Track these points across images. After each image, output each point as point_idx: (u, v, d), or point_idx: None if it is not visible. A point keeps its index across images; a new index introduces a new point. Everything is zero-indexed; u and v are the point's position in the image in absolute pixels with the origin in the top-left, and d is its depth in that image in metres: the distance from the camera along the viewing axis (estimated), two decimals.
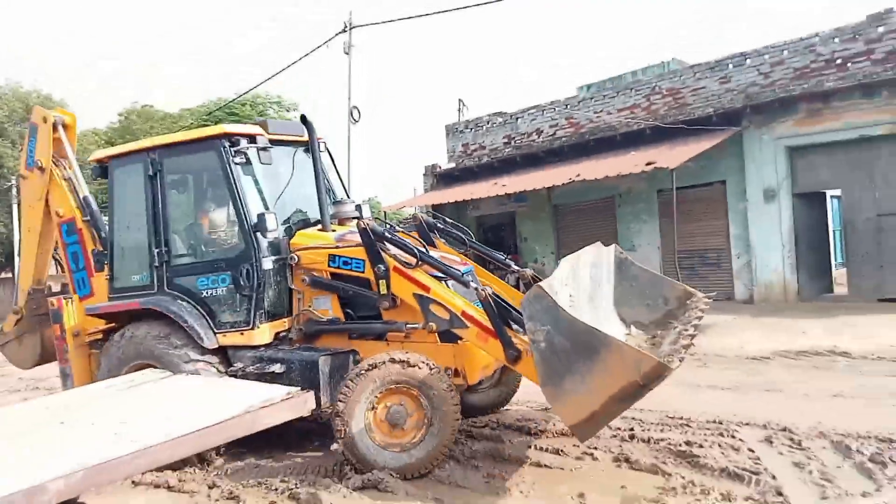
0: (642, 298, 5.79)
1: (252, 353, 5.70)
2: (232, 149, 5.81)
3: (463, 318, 5.12)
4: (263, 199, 5.93)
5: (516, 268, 6.04)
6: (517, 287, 6.18)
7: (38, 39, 70.25)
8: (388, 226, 5.89)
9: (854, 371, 7.38)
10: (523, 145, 16.17)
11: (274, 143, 6.12)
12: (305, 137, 6.21)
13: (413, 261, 5.35)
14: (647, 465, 4.82)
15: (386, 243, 5.48)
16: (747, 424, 5.56)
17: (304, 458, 5.77)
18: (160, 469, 5.18)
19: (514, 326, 5.04)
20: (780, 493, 4.22)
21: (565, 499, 4.49)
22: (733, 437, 5.28)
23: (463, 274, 5.46)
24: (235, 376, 5.62)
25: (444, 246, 6.38)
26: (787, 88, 11.71)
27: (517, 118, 16.60)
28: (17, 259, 8.26)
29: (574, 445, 5.26)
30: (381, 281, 5.43)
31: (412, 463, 4.87)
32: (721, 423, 5.63)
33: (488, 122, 17.30)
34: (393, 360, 4.96)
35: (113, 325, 6.26)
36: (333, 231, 6.00)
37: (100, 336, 6.36)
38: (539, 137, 15.99)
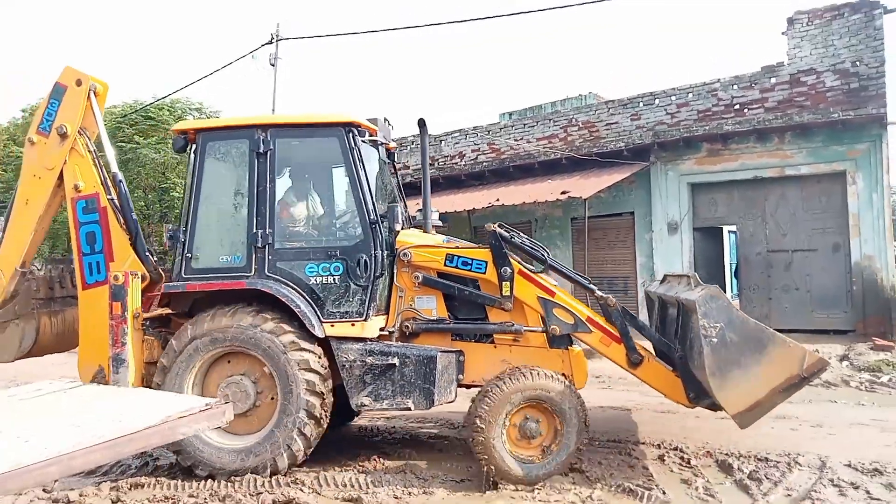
0: None
1: (360, 346, 5.53)
2: (356, 138, 5.73)
3: (588, 323, 5.48)
4: (376, 194, 5.86)
5: (599, 293, 5.76)
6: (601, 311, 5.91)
7: None
8: (514, 232, 5.93)
9: None
10: (446, 167, 16.52)
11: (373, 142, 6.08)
12: (391, 144, 6.45)
13: (538, 266, 5.69)
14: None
15: (514, 248, 5.72)
16: (642, 443, 5.94)
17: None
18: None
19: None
20: None
21: None
22: (629, 454, 5.64)
23: (589, 283, 5.83)
24: (344, 368, 5.48)
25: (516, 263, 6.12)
26: (691, 128, 12.59)
27: (441, 140, 16.95)
28: None
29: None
30: (504, 283, 5.58)
31: (540, 474, 5.05)
32: (619, 442, 6.00)
33: (412, 143, 17.57)
34: (530, 375, 5.12)
35: (165, 311, 5.81)
36: (435, 234, 6.25)
37: (154, 316, 5.79)
38: (461, 161, 16.39)
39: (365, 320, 5.56)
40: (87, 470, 2.88)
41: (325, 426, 5.45)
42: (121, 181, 6.18)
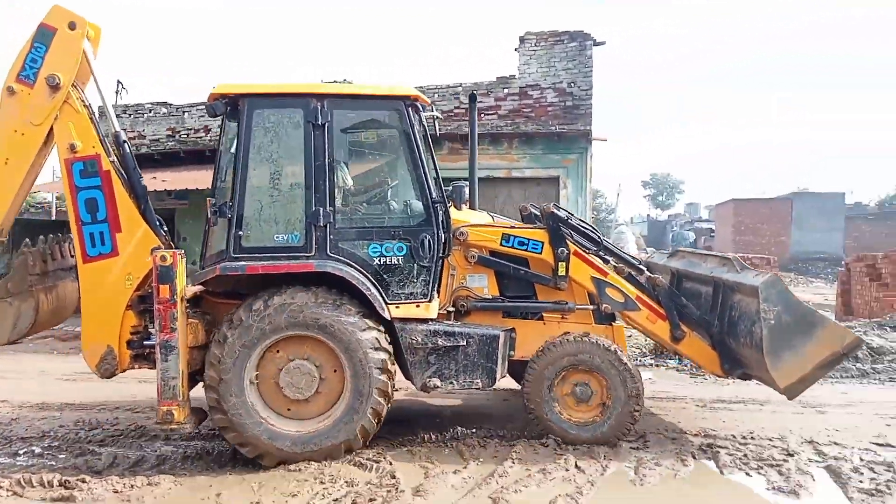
0: None
1: (424, 327, 5.49)
2: (415, 114, 5.51)
3: (637, 302, 5.84)
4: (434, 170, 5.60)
5: (648, 274, 6.10)
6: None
7: None
8: (569, 213, 6.11)
9: None
10: (189, 141, 15.51)
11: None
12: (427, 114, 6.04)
13: (592, 247, 5.90)
14: None
15: (570, 229, 5.88)
16: None
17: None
18: None
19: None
20: (393, 476, 4.97)
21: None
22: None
23: (640, 263, 6.16)
24: (409, 349, 5.46)
25: (572, 244, 6.02)
26: (434, 128, 13.45)
27: (184, 112, 15.84)
28: None
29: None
30: (560, 263, 5.76)
31: (590, 438, 5.53)
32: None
33: (150, 111, 16.16)
34: (577, 340, 5.58)
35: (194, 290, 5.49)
36: (483, 212, 6.31)
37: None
38: (206, 135, 15.51)
39: (429, 301, 5.50)
40: None
41: (391, 397, 5.36)
42: (125, 141, 5.59)
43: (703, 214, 51.12)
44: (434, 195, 5.49)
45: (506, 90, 13.28)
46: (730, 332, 5.65)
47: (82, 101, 5.46)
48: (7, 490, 4.69)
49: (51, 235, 6.14)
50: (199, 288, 5.57)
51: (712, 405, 6.95)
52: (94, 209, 5.39)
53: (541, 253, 5.86)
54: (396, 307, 5.42)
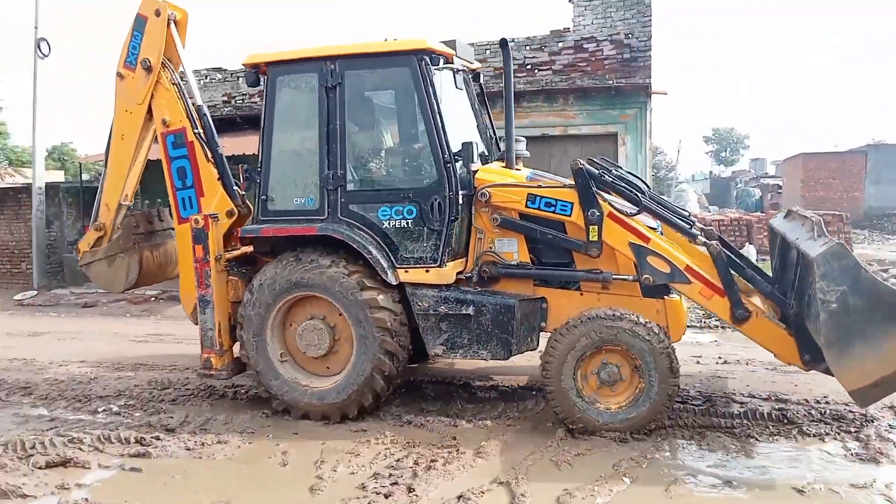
0: None
1: (435, 293, 5.28)
2: (431, 66, 5.18)
3: (686, 273, 4.96)
4: (456, 127, 5.37)
5: (702, 238, 5.14)
6: None
7: None
8: (610, 168, 5.40)
9: None
10: (244, 106, 15.67)
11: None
12: (474, 65, 5.83)
13: (633, 209, 5.11)
14: None
15: (605, 187, 5.17)
16: (432, 382, 6.34)
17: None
18: None
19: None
20: (454, 438, 5.00)
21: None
22: (423, 396, 6.01)
23: (692, 227, 5.22)
24: (420, 315, 5.31)
25: (606, 205, 5.39)
26: (488, 85, 13.18)
27: (238, 77, 15.97)
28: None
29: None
30: (591, 227, 5.09)
31: (622, 423, 4.81)
32: (413, 381, 6.35)
33: (206, 77, 16.35)
34: (604, 317, 4.79)
35: (247, 250, 5.82)
36: (521, 170, 5.69)
37: (239, 258, 5.84)
38: (261, 99, 15.64)
39: (439, 266, 5.26)
40: None
41: (404, 362, 5.38)
42: (205, 114, 6.06)
43: (770, 170, 49.10)
44: (446, 155, 5.18)
45: (560, 44, 12.87)
46: (807, 315, 4.54)
47: (171, 79, 6.03)
48: (89, 445, 4.94)
49: (158, 200, 6.85)
50: (249, 248, 5.87)
51: (783, 368, 6.71)
52: (183, 176, 6.02)
53: (570, 215, 5.24)
54: (406, 271, 5.32)
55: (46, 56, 14.40)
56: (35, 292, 13.48)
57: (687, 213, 5.78)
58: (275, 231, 5.52)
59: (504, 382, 6.26)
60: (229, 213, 5.86)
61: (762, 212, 21.64)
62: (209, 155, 6.00)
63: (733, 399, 5.73)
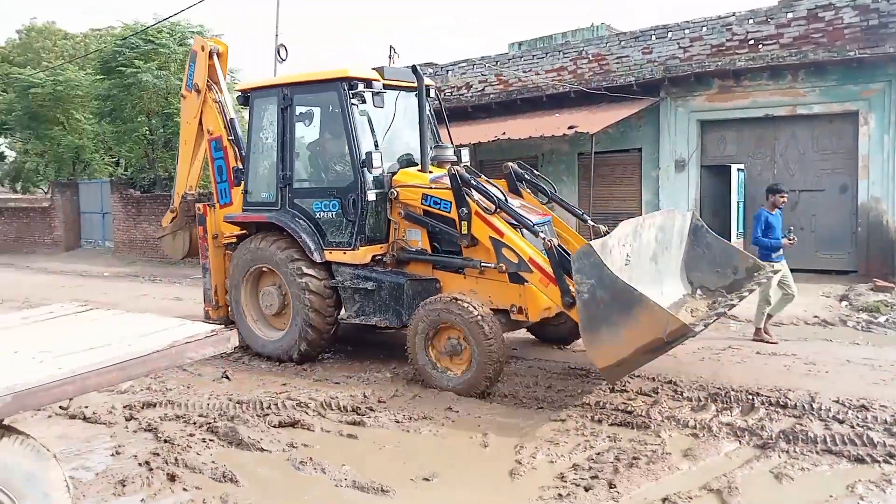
0: (713, 265, 6.33)
1: (350, 270, 6.63)
2: (350, 91, 6.47)
3: (529, 264, 5.69)
4: (375, 139, 6.73)
5: (592, 222, 6.56)
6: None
7: None
8: (475, 173, 6.44)
9: (739, 333, 8.09)
10: (452, 98, 16.25)
11: (387, 87, 6.75)
12: (419, 84, 6.68)
13: (492, 207, 5.95)
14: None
15: (471, 189, 6.05)
16: (638, 376, 6.09)
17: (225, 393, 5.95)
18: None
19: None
20: (658, 436, 4.76)
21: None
22: (624, 388, 5.81)
23: (535, 224, 5.97)
24: (337, 288, 6.70)
25: (530, 196, 7.01)
26: (703, 64, 12.30)
27: (447, 70, 16.62)
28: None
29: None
30: (463, 222, 6.08)
31: (461, 385, 5.70)
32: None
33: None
34: (451, 303, 5.71)
35: (244, 231, 7.41)
36: (431, 172, 6.69)
37: (234, 240, 7.52)
38: (468, 92, 16.11)
39: (354, 249, 6.58)
40: (100, 389, 3.01)
41: (328, 320, 6.73)
42: (236, 125, 7.81)
43: None
44: (359, 161, 6.41)
45: (790, 14, 11.58)
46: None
47: (214, 98, 7.93)
48: (313, 410, 5.47)
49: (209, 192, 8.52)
50: (235, 230, 7.51)
51: None
52: (221, 172, 7.89)
53: (450, 212, 6.18)
54: (330, 252, 6.69)
55: (284, 60, 16.11)
56: None
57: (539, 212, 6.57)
58: (243, 218, 7.28)
59: (714, 383, 5.82)
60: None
61: None
62: (237, 156, 7.66)
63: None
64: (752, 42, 11.96)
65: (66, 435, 5.12)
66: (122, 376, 3.01)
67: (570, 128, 12.03)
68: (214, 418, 5.29)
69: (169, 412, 5.50)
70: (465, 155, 7.31)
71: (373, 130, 6.72)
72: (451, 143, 7.38)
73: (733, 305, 5.69)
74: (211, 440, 4.89)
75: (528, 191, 6.96)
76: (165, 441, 4.85)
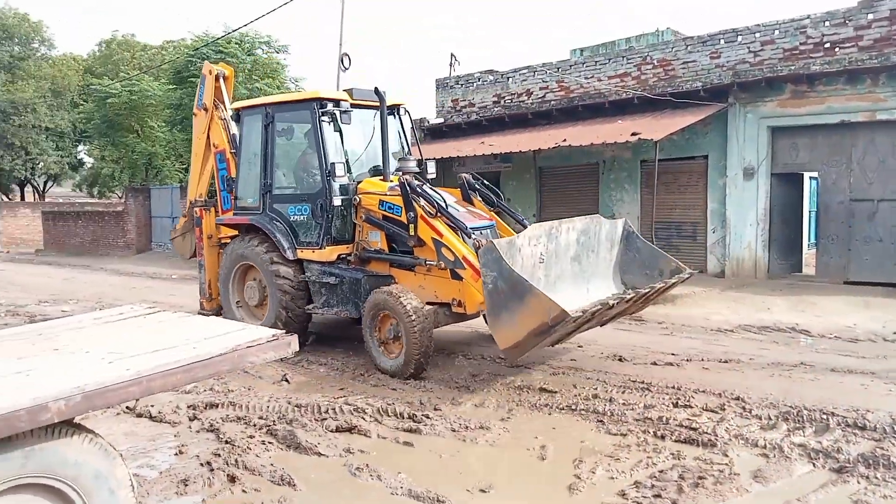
0: (643, 268, 7.07)
1: (318, 267, 7.53)
2: (320, 110, 7.37)
3: (463, 261, 6.38)
4: (345, 152, 7.63)
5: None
6: None
7: None
8: (424, 182, 7.29)
9: (811, 348, 7.73)
10: (512, 105, 16.18)
11: (356, 106, 7.63)
12: (388, 102, 7.52)
13: (434, 211, 6.68)
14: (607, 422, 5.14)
15: (418, 196, 6.78)
16: (703, 392, 5.88)
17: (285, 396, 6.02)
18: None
19: None
20: (725, 455, 4.56)
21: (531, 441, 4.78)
22: (688, 403, 5.60)
23: (474, 228, 6.75)
24: (307, 282, 7.60)
25: (479, 203, 7.70)
26: (775, 68, 11.84)
27: (508, 77, 16.55)
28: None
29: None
30: (411, 224, 6.77)
31: (395, 368, 6.58)
32: (679, 389, 5.95)
33: (479, 80, 17.22)
34: (387, 294, 6.55)
35: (236, 233, 8.41)
36: (392, 182, 7.42)
37: (228, 240, 8.51)
38: (529, 99, 16.00)
39: (321, 248, 7.45)
40: (165, 391, 3.08)
41: (298, 311, 7.62)
42: (236, 139, 8.59)
43: None
44: (326, 171, 7.27)
45: (870, 16, 11.03)
46: None
47: (220, 116, 8.90)
48: (370, 416, 5.48)
49: (212, 199, 9.34)
50: (230, 231, 8.55)
51: None
52: (224, 182, 8.84)
53: (401, 216, 6.90)
54: (301, 251, 7.60)
55: (347, 69, 16.40)
56: None
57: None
58: (230, 220, 8.37)
59: (785, 401, 5.55)
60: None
61: None
62: (237, 167, 8.53)
63: None
64: (827, 45, 11.46)
65: (132, 433, 5.28)
66: (186, 379, 3.06)
67: (634, 134, 11.77)
68: (274, 421, 5.36)
69: (230, 413, 5.61)
70: (431, 167, 8.04)
71: (340, 145, 7.60)
72: (421, 156, 8.20)
73: (623, 299, 6.14)
74: (270, 443, 4.96)
75: (479, 199, 7.71)
76: (227, 442, 4.94)
